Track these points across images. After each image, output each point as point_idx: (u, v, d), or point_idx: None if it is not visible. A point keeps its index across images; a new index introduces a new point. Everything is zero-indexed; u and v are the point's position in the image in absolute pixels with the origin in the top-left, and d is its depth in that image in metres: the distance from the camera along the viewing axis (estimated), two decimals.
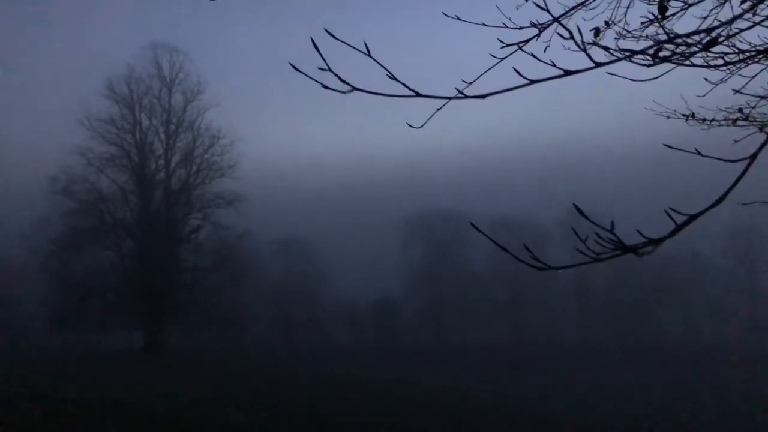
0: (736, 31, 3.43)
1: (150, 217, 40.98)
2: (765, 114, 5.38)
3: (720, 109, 5.10)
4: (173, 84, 42.91)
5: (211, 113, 42.76)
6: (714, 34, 3.21)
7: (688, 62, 3.94)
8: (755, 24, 3.46)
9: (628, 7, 5.08)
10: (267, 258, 54.17)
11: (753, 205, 4.65)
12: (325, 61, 1.73)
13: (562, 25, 3.02)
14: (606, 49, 3.84)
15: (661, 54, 3.74)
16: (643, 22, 5.00)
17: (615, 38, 4.89)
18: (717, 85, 4.87)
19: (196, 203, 42.32)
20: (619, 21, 5.15)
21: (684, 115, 5.09)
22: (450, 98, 1.95)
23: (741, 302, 50.79)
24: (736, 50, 3.85)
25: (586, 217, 1.59)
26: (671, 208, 1.74)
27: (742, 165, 2.64)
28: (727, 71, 4.51)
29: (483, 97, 1.97)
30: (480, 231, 1.79)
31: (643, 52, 3.56)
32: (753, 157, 2.21)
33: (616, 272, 49.73)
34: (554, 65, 2.42)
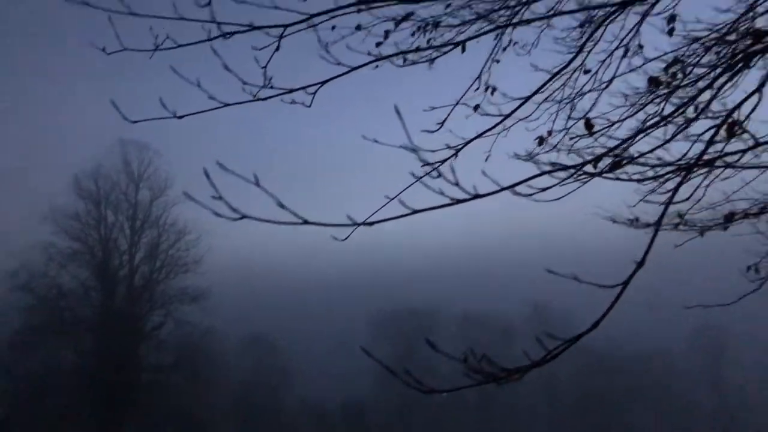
0: (638, 153, 3.66)
1: (111, 314, 39.95)
2: (703, 220, 5.62)
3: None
4: (141, 180, 43.14)
5: (180, 206, 42.80)
6: (617, 157, 3.42)
7: (611, 175, 4.14)
8: (655, 147, 3.70)
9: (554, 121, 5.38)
10: (232, 356, 52.64)
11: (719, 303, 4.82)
12: (216, 190, 1.81)
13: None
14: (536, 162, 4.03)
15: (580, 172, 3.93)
16: (571, 138, 5.29)
17: (544, 152, 5.15)
18: (646, 195, 5.00)
19: (159, 299, 41.51)
20: (552, 135, 5.44)
21: (629, 219, 5.28)
22: (336, 225, 2.03)
23: (707, 395, 50.99)
24: (651, 165, 4.06)
25: (435, 348, 1.64)
26: (547, 333, 1.80)
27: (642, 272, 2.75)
28: (652, 183, 4.70)
29: (370, 224, 2.05)
30: (370, 355, 1.82)
31: (563, 168, 3.74)
32: (625, 284, 2.31)
33: (588, 368, 49.49)
34: (460, 186, 2.54)
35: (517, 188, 2.84)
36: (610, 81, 5.21)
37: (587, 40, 3.99)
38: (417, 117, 3.89)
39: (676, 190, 3.30)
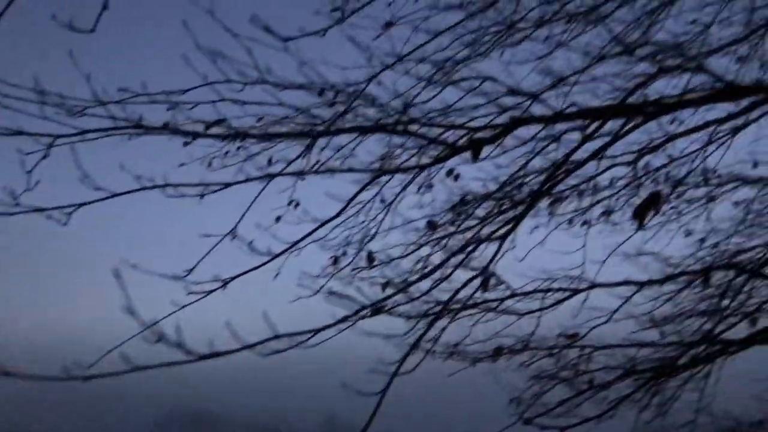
0: (394, 304, 3.87)
1: None
2: (476, 352, 5.96)
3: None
4: None
5: None
6: (380, 304, 3.58)
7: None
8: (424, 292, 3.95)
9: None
10: None
11: None
12: None
13: None
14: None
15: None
16: (353, 269, 5.43)
17: (327, 280, 5.22)
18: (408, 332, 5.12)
19: None
20: (337, 263, 5.56)
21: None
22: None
23: None
24: (406, 316, 4.29)
25: None
26: None
27: None
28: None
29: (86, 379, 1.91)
30: None
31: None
32: (383, 392, 2.36)
33: None
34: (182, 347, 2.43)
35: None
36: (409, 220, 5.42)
37: (381, 173, 4.21)
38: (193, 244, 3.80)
39: (428, 328, 3.51)
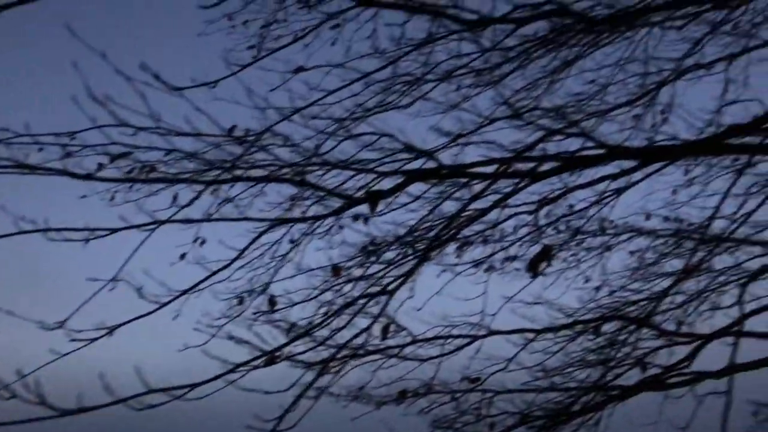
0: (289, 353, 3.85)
1: None
2: (381, 395, 5.92)
3: None
4: None
5: None
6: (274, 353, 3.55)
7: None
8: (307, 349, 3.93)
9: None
10: None
11: None
12: None
13: None
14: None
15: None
16: (254, 312, 5.33)
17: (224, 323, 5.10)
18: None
19: None
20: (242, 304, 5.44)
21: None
22: None
23: None
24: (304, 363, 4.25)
25: None
26: None
27: None
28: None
29: None
30: None
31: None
32: None
33: None
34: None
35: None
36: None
37: (277, 222, 4.18)
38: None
39: (314, 380, 3.50)
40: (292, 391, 3.51)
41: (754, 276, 5.00)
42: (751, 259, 5.31)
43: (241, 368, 3.41)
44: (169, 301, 3.36)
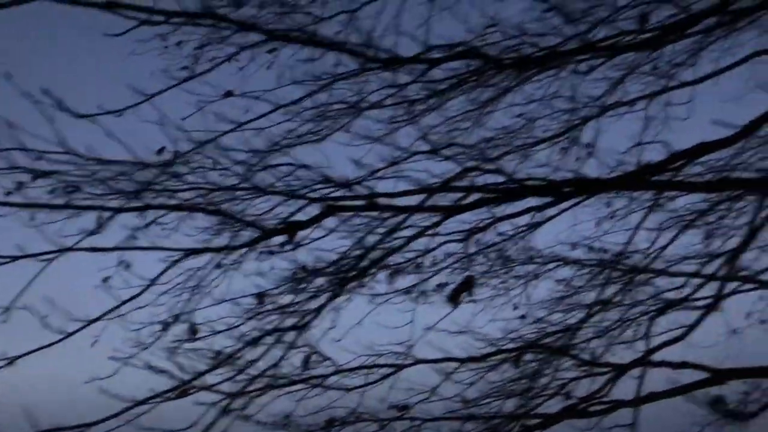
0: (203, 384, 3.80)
1: None
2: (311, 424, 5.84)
3: None
4: None
5: None
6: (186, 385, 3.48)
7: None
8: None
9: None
10: None
11: None
12: None
13: None
14: None
15: None
16: (174, 341, 5.21)
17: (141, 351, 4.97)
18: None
19: None
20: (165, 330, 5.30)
21: None
22: None
23: None
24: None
25: None
26: None
27: None
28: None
29: None
30: None
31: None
32: None
33: None
34: None
35: None
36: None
37: (191, 252, 4.10)
38: None
39: (219, 417, 3.44)
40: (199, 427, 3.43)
41: (663, 309, 5.17)
42: (665, 291, 5.49)
43: (152, 401, 3.32)
44: (75, 331, 3.25)
